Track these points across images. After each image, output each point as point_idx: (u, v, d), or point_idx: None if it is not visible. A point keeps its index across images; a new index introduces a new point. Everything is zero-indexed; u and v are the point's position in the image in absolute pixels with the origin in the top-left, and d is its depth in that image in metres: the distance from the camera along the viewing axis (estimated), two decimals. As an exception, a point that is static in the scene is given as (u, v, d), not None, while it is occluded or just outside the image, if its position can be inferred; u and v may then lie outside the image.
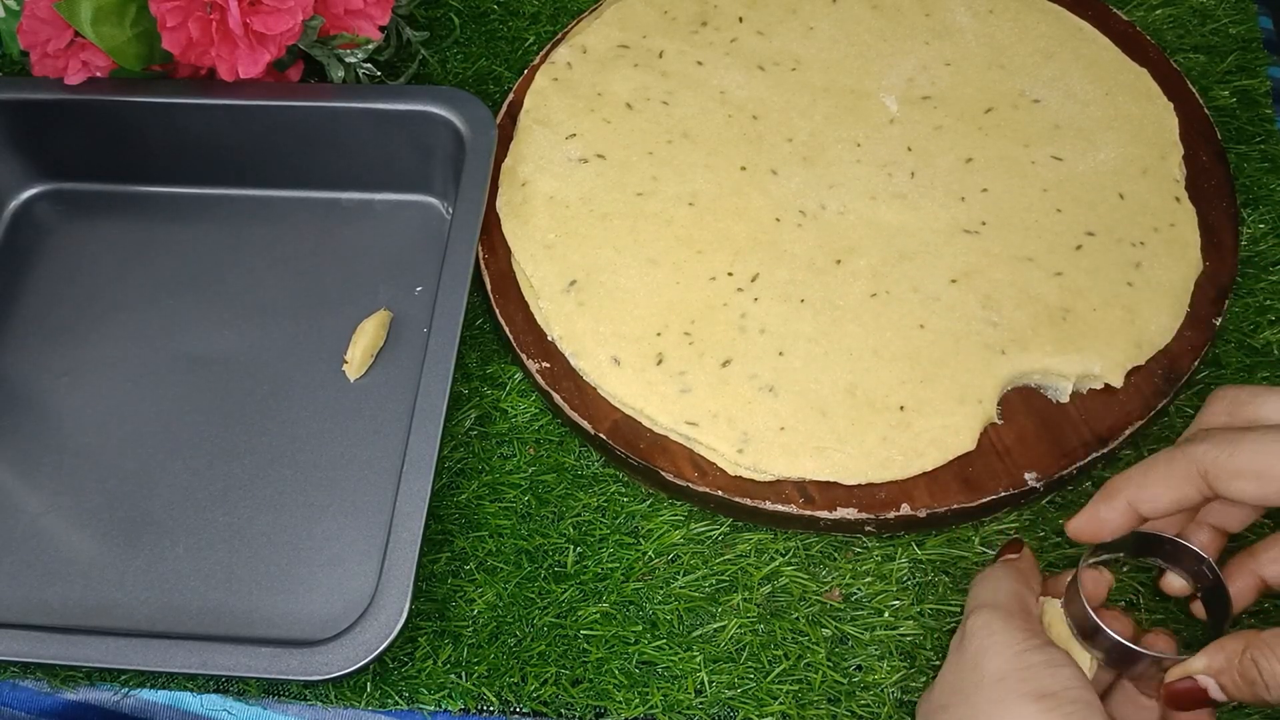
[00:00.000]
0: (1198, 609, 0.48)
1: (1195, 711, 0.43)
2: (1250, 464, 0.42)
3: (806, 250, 0.57)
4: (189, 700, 0.51)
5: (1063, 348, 0.53)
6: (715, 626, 0.51)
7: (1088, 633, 0.44)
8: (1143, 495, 0.44)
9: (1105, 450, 0.52)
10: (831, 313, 0.55)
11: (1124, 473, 0.45)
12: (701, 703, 0.50)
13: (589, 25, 0.66)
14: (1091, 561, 0.47)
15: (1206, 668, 0.41)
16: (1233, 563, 0.46)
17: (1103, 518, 0.45)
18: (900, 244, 0.57)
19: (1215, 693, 0.41)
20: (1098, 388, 0.53)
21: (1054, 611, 0.46)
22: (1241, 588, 0.46)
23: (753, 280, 0.56)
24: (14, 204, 0.66)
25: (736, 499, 0.52)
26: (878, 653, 0.50)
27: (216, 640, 0.48)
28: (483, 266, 0.59)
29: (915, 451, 0.52)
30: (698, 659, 0.50)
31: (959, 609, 0.51)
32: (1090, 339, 0.54)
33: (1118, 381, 0.53)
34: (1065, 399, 0.53)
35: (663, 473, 0.52)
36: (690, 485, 0.52)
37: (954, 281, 0.56)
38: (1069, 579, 0.46)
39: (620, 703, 0.50)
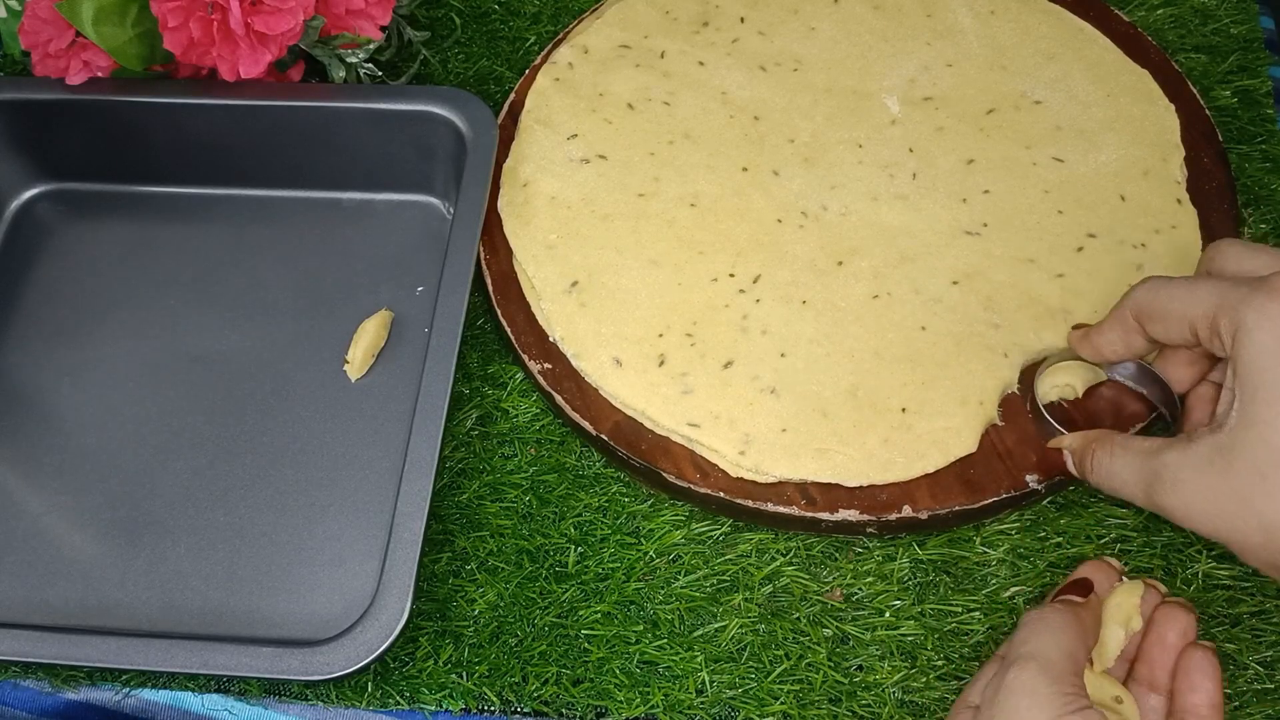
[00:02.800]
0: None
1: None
2: (1160, 306, 0.46)
3: (808, 251, 0.57)
4: (190, 700, 0.51)
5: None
6: (716, 626, 0.51)
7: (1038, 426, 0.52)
8: (1100, 339, 0.50)
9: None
10: (833, 314, 0.55)
11: (1080, 330, 0.52)
12: (702, 702, 0.50)
13: (590, 25, 0.66)
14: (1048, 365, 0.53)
15: (1069, 444, 0.49)
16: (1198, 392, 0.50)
17: (1079, 347, 0.52)
18: (902, 245, 0.57)
19: (1070, 466, 0.49)
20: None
21: (1113, 631, 0.46)
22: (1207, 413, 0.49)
23: (754, 281, 0.56)
24: (15, 204, 0.66)
25: (738, 500, 0.52)
26: (879, 653, 0.50)
27: (218, 640, 0.48)
28: (484, 267, 0.59)
29: (917, 453, 0.52)
30: (699, 659, 0.50)
31: (960, 609, 0.51)
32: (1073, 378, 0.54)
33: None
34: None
35: (664, 474, 0.53)
36: (692, 486, 0.52)
37: (955, 283, 0.56)
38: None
39: (621, 702, 0.50)
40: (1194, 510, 0.42)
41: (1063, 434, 0.51)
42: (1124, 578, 0.48)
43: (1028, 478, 0.52)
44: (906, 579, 0.52)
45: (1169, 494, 0.43)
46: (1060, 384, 0.53)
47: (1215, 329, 0.43)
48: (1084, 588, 0.47)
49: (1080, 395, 0.53)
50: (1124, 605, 0.47)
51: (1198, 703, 0.45)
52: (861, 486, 0.52)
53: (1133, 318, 0.47)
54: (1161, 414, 0.51)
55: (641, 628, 0.51)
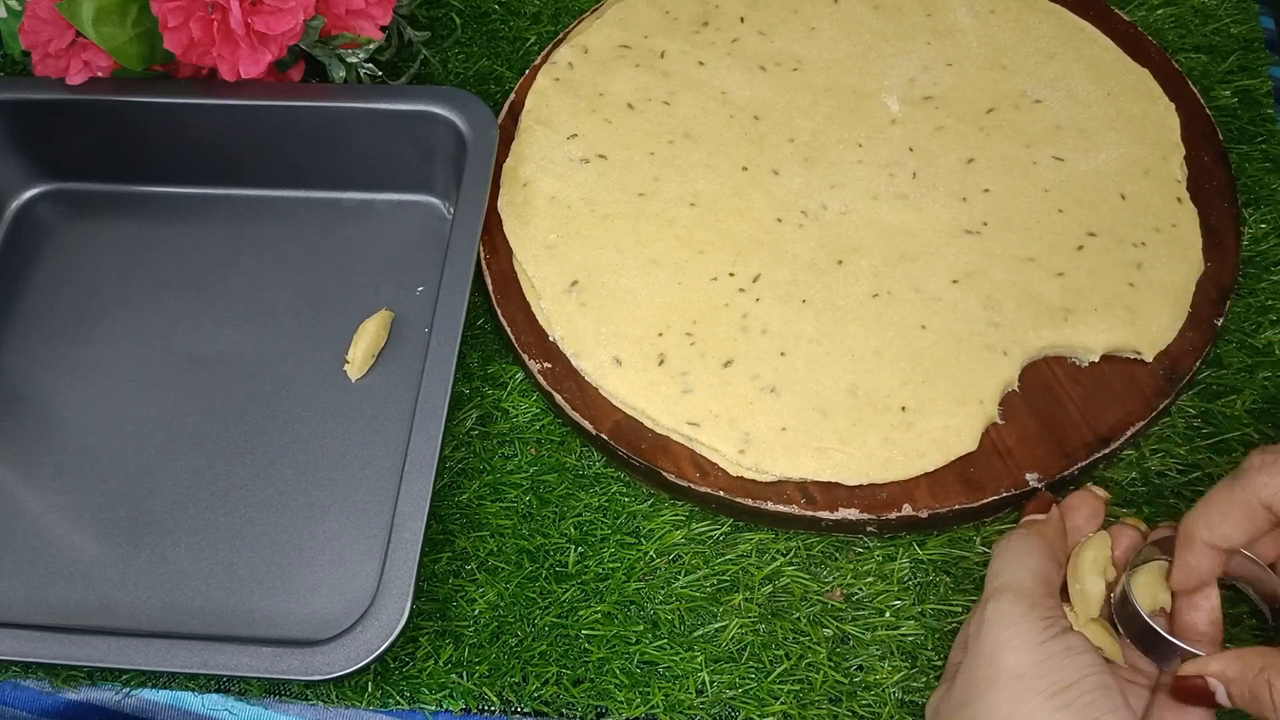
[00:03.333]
0: None
1: (1194, 710, 0.43)
2: None
3: (808, 250, 0.57)
4: (190, 700, 0.51)
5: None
6: (716, 626, 0.51)
7: (1132, 629, 0.45)
8: (1216, 536, 0.44)
9: (1107, 450, 0.52)
10: (833, 313, 0.55)
11: (1191, 515, 0.44)
12: (703, 703, 0.50)
13: (590, 25, 0.66)
14: (1141, 561, 0.46)
15: (1221, 673, 0.41)
16: None
17: (1193, 566, 0.44)
18: (902, 244, 0.57)
19: (1222, 698, 0.41)
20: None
21: (1093, 581, 0.46)
22: None
23: (754, 281, 0.56)
24: (15, 204, 0.66)
25: (738, 499, 0.52)
26: (879, 653, 0.50)
27: (218, 640, 0.48)
28: (484, 267, 0.59)
29: (917, 452, 0.52)
30: (699, 659, 0.50)
31: (960, 609, 0.51)
32: (1092, 340, 0.54)
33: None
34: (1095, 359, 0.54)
35: (664, 473, 0.52)
36: (692, 486, 0.52)
37: (955, 282, 0.56)
38: (1121, 584, 0.45)
39: (621, 703, 0.50)
40: None
41: (1197, 654, 0.43)
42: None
43: (1028, 476, 0.51)
44: (907, 579, 0.52)
45: None
46: (1154, 595, 0.46)
47: None
48: (1044, 504, 0.46)
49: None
50: (1098, 558, 0.46)
51: (1197, 620, 0.45)
52: (861, 485, 0.52)
53: (1264, 508, 0.42)
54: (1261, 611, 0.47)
55: (642, 628, 0.51)
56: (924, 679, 0.50)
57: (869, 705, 0.49)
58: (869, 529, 0.52)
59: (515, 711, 0.50)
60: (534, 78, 0.64)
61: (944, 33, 0.64)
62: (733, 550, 0.53)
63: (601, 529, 0.54)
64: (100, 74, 0.61)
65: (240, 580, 0.53)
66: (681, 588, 0.52)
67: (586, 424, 0.54)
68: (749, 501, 0.52)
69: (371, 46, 0.63)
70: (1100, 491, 0.48)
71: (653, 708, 0.50)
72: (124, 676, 0.51)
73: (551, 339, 0.56)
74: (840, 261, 0.57)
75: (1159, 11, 0.68)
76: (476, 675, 0.51)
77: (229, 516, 0.55)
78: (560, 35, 0.67)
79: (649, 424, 0.54)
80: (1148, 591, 0.45)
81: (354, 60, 0.63)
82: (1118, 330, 0.54)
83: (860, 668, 0.50)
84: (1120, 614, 0.46)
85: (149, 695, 0.51)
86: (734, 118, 0.62)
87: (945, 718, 0.43)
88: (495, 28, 0.70)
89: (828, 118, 0.61)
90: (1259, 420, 0.55)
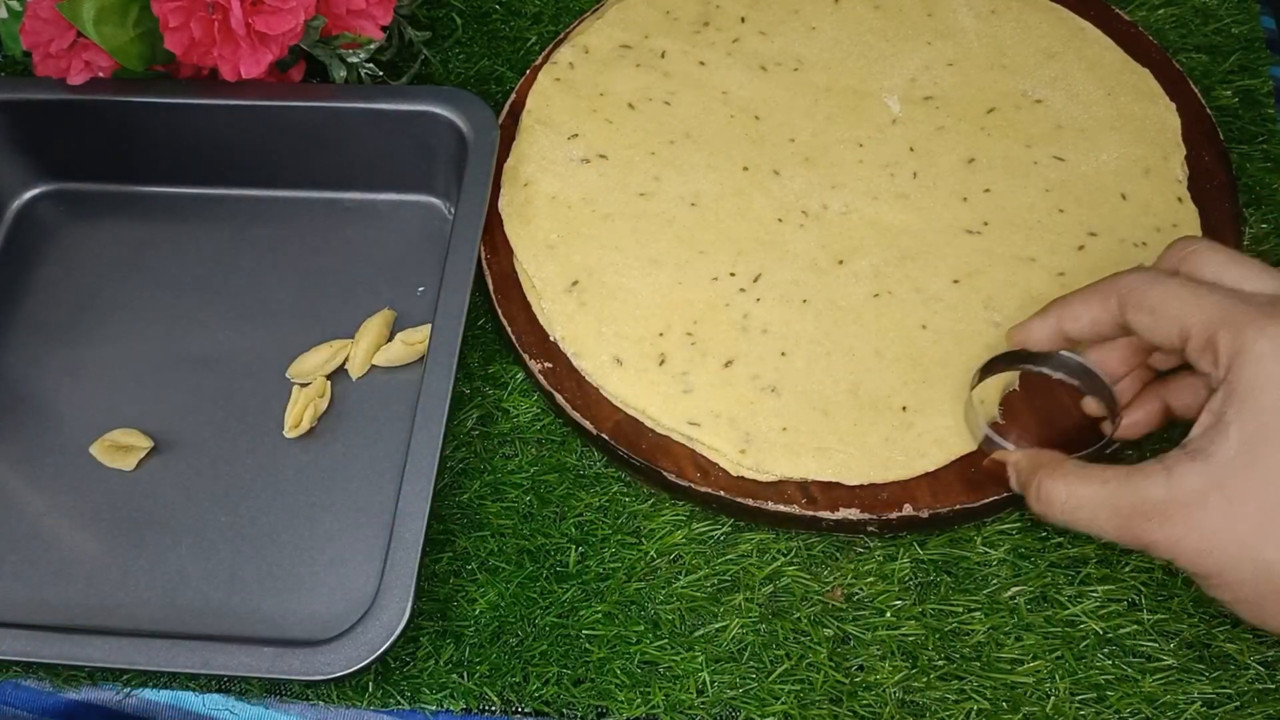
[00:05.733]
0: (1105, 426, 0.51)
1: None
2: (1155, 300, 0.44)
3: (809, 250, 0.57)
4: (191, 700, 0.51)
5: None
6: (717, 626, 0.51)
7: (977, 436, 0.52)
8: (1065, 312, 0.48)
9: (1108, 451, 0.52)
10: (834, 313, 0.55)
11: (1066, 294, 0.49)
12: (703, 703, 0.50)
13: (591, 25, 0.66)
14: (979, 375, 0.52)
15: (1015, 464, 0.48)
16: (1144, 390, 0.49)
17: (1032, 327, 0.49)
18: (903, 244, 0.57)
19: (1014, 483, 0.48)
20: None
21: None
22: (1149, 411, 0.49)
23: (755, 280, 0.56)
24: (16, 204, 0.66)
25: (739, 499, 0.52)
26: (880, 653, 0.50)
27: (219, 640, 0.48)
28: (485, 266, 0.59)
29: (918, 452, 0.52)
30: (700, 659, 0.50)
31: (961, 609, 0.51)
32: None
33: None
34: None
35: (665, 473, 0.53)
36: (692, 486, 0.52)
37: (956, 282, 0.56)
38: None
39: (622, 703, 0.50)
40: (1184, 546, 0.40)
41: (1007, 447, 0.49)
42: None
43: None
44: (907, 579, 0.52)
45: (1157, 529, 0.41)
46: (978, 400, 0.52)
47: (1212, 344, 0.41)
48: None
49: (996, 413, 0.53)
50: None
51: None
52: (862, 485, 0.52)
53: (1116, 299, 0.45)
54: (1087, 446, 0.50)
55: (642, 628, 0.51)
56: (924, 679, 0.50)
57: (870, 705, 0.49)
58: (870, 529, 0.52)
59: (516, 711, 0.50)
60: (535, 78, 0.64)
61: (945, 33, 0.64)
62: (733, 550, 0.53)
63: (602, 529, 0.54)
64: (101, 74, 0.61)
65: (241, 580, 0.53)
66: (682, 588, 0.52)
67: (587, 424, 0.54)
68: (750, 501, 0.52)
69: (372, 46, 0.63)
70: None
71: (653, 708, 0.50)
72: (125, 676, 0.51)
73: (552, 339, 0.56)
74: (841, 261, 0.57)
75: (1160, 11, 0.68)
76: (477, 675, 0.51)
77: (230, 516, 0.55)
78: (561, 35, 0.67)
79: (649, 424, 0.54)
80: (987, 390, 0.53)
81: (355, 60, 0.63)
82: None
83: (861, 668, 0.50)
84: (966, 416, 0.52)
85: (150, 695, 0.51)
86: (735, 118, 0.62)
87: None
88: (496, 28, 0.70)
89: (828, 118, 0.61)
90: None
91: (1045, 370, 0.52)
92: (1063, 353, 0.50)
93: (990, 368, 0.52)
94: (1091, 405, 0.52)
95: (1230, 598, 0.41)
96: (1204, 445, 0.40)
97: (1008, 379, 0.53)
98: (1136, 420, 0.50)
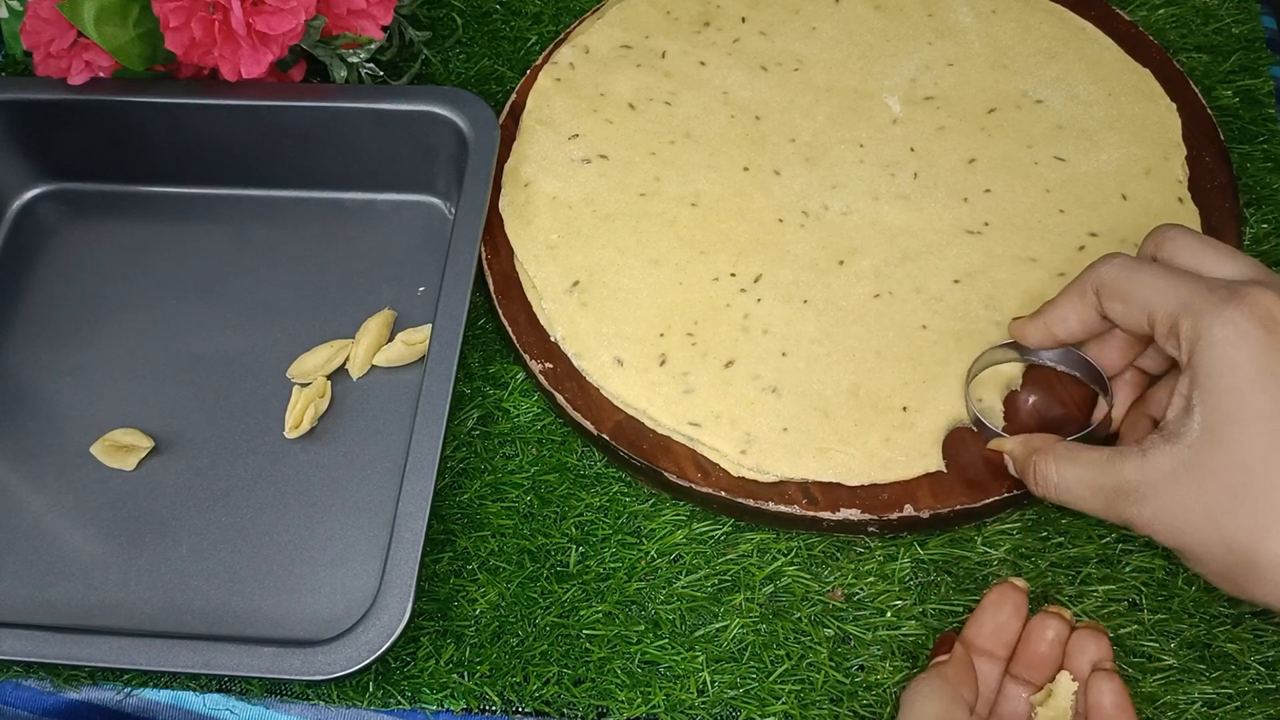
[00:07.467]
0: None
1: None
2: (1127, 289, 0.45)
3: (809, 251, 0.57)
4: (192, 700, 0.51)
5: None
6: (717, 626, 0.51)
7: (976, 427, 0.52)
8: (1053, 315, 0.49)
9: (1102, 435, 0.52)
10: (834, 313, 0.55)
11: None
12: (704, 702, 0.50)
13: (591, 25, 0.66)
14: (981, 369, 0.53)
15: (1011, 451, 0.49)
16: (1131, 409, 0.50)
17: (1025, 330, 0.51)
18: (903, 244, 0.57)
19: (1011, 469, 0.49)
20: None
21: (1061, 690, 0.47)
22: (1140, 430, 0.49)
23: (755, 281, 0.56)
24: (17, 204, 0.66)
25: (739, 500, 0.52)
26: (880, 653, 0.50)
27: (219, 640, 0.48)
28: (485, 267, 0.59)
29: (918, 452, 0.52)
30: (700, 659, 0.50)
31: (961, 609, 0.51)
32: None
33: None
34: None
35: (666, 473, 0.52)
36: (693, 486, 0.52)
37: (957, 282, 0.56)
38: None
39: (622, 702, 0.50)
40: (1159, 523, 0.42)
41: (1003, 436, 0.50)
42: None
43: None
44: (908, 579, 0.52)
45: (1134, 507, 0.43)
46: (976, 398, 0.53)
47: (1175, 329, 0.43)
48: (946, 643, 0.48)
49: (999, 410, 0.53)
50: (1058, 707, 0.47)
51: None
52: (863, 486, 0.52)
53: (1093, 292, 0.46)
54: (1085, 426, 0.51)
55: (643, 627, 0.51)
56: (925, 679, 0.50)
57: (870, 705, 0.49)
58: (870, 529, 0.52)
59: (516, 711, 0.50)
60: (535, 78, 0.64)
61: (945, 33, 0.64)
62: (734, 550, 0.53)
63: (603, 529, 0.54)
64: (102, 74, 0.61)
65: (241, 580, 0.53)
66: (683, 588, 0.52)
67: (588, 424, 0.54)
68: (750, 502, 0.52)
69: (373, 46, 0.63)
70: (1019, 583, 0.49)
71: (654, 708, 0.50)
72: (125, 676, 0.51)
73: (553, 339, 0.56)
74: (841, 262, 0.57)
75: (1160, 11, 0.68)
76: (478, 675, 0.51)
77: (230, 516, 0.55)
78: (561, 35, 0.67)
79: (650, 424, 0.54)
80: (984, 392, 0.53)
81: (355, 60, 0.63)
82: None
83: (861, 668, 0.50)
84: (967, 406, 0.52)
85: (150, 695, 0.51)
86: (735, 118, 0.62)
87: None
88: (496, 28, 0.70)
89: (829, 118, 0.61)
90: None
91: (1038, 360, 0.53)
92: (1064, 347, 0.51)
93: (986, 358, 0.53)
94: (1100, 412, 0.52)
95: (1205, 571, 0.43)
96: (1174, 428, 0.42)
97: (1009, 377, 0.53)
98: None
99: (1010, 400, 0.54)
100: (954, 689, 0.45)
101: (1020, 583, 0.49)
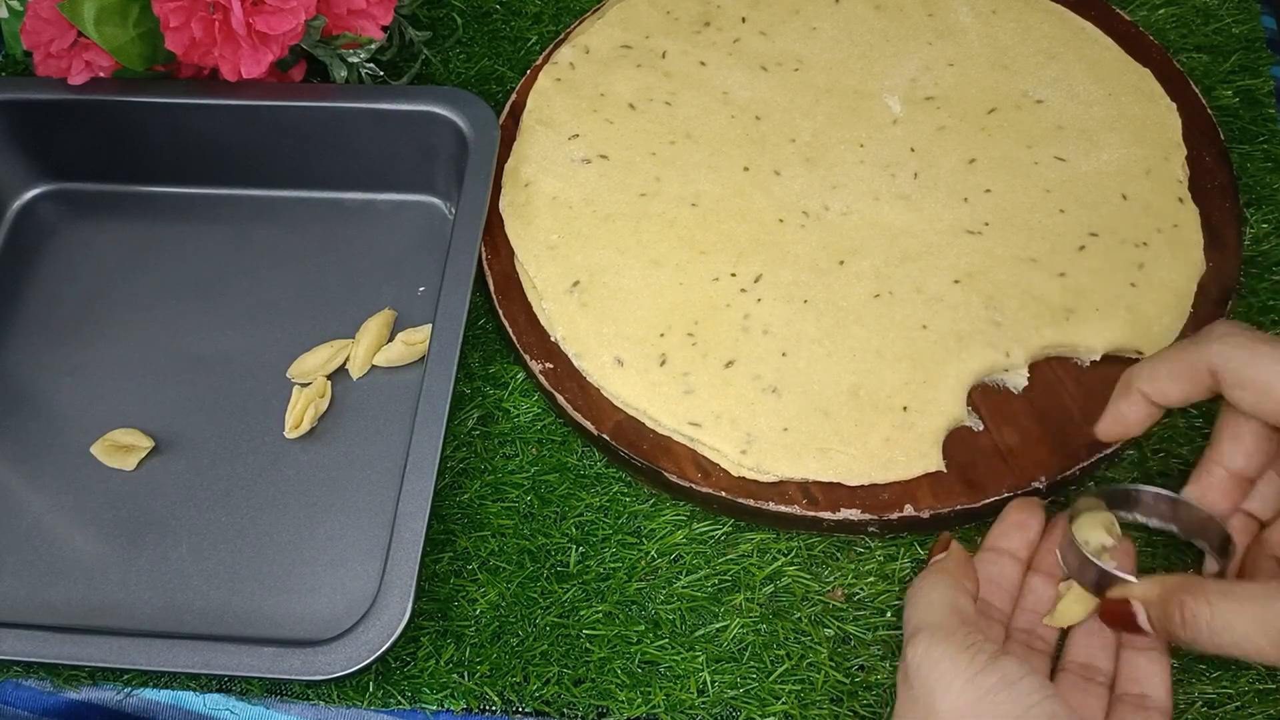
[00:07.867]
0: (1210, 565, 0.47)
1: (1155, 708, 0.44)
2: (1261, 376, 0.42)
3: (809, 251, 0.57)
4: (192, 700, 0.51)
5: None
6: (718, 626, 0.51)
7: (1072, 565, 0.46)
8: (1153, 388, 0.45)
9: (1108, 451, 0.52)
10: (835, 313, 0.55)
11: (1137, 365, 0.46)
12: (704, 702, 0.50)
13: (592, 25, 0.66)
14: (1078, 513, 0.48)
15: (1143, 595, 0.43)
16: (1249, 551, 0.46)
17: (1124, 413, 0.46)
18: (903, 245, 0.57)
19: (1143, 621, 0.43)
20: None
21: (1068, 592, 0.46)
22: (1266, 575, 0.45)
23: (756, 281, 0.56)
24: (17, 204, 0.66)
25: (740, 500, 0.52)
26: (880, 653, 0.50)
27: (219, 640, 0.48)
28: (485, 267, 0.59)
29: (919, 452, 0.52)
30: (700, 659, 0.50)
31: (962, 609, 0.51)
32: (1093, 340, 0.54)
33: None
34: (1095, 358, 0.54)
35: (666, 473, 0.52)
36: (693, 486, 0.52)
37: (957, 282, 0.56)
38: (1063, 530, 0.47)
39: (623, 702, 0.50)
40: None
41: (1129, 580, 0.44)
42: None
43: (1031, 480, 0.51)
44: (908, 579, 0.52)
45: None
46: (1097, 536, 0.47)
47: None
48: (944, 543, 0.47)
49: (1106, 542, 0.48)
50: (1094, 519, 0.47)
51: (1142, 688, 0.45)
52: (863, 486, 0.52)
53: (1210, 375, 0.43)
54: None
55: (643, 627, 0.51)
56: (925, 679, 0.50)
57: (870, 705, 0.49)
58: (870, 529, 0.52)
59: (516, 711, 0.50)
60: (535, 78, 0.64)
61: (945, 33, 0.64)
62: (734, 550, 0.53)
63: (603, 529, 0.54)
64: (102, 74, 0.61)
65: (241, 580, 0.53)
66: (683, 588, 0.52)
67: (588, 424, 0.54)
68: (750, 502, 0.52)
69: (373, 46, 0.63)
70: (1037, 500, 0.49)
71: (654, 707, 0.50)
72: (125, 676, 0.51)
73: (553, 339, 0.56)
74: (842, 262, 0.57)
75: (1160, 11, 0.68)
76: (478, 675, 0.51)
77: (230, 516, 0.55)
78: (561, 35, 0.67)
79: (650, 424, 0.54)
80: (1090, 534, 0.47)
81: (355, 60, 0.63)
82: (1119, 330, 0.54)
83: (862, 668, 0.50)
84: (1065, 556, 0.47)
85: (150, 695, 0.51)
86: (735, 118, 0.62)
87: None
88: (496, 28, 0.70)
89: (829, 118, 0.61)
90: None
91: (1138, 518, 0.49)
92: (1157, 492, 0.47)
93: (1081, 506, 0.48)
94: (1211, 567, 0.47)
95: None
96: None
97: (1106, 517, 0.48)
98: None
99: (1004, 402, 0.53)
100: (955, 579, 0.45)
101: (1036, 501, 0.49)
